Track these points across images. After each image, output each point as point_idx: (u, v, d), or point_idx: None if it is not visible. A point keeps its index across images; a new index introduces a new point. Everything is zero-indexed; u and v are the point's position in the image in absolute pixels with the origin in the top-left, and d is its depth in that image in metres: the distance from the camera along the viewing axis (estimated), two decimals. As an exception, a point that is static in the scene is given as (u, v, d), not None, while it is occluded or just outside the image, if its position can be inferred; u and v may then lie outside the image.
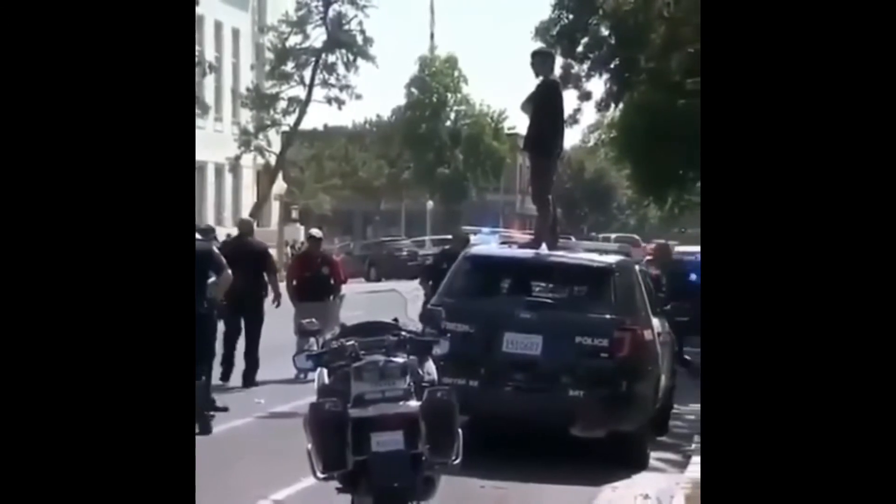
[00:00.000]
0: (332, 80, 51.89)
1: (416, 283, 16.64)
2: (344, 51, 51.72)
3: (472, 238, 20.73)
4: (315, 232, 18.05)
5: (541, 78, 12.54)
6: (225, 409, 12.97)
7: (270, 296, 16.05)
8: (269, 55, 52.89)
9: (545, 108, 12.44)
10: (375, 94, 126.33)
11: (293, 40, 52.21)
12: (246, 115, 51.70)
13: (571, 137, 71.45)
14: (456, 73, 69.78)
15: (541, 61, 12.73)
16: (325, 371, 7.86)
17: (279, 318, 16.05)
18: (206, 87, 47.57)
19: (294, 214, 55.47)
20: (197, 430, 9.97)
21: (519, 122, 66.20)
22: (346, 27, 51.79)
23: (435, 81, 68.72)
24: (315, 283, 16.31)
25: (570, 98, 28.24)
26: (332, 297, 15.74)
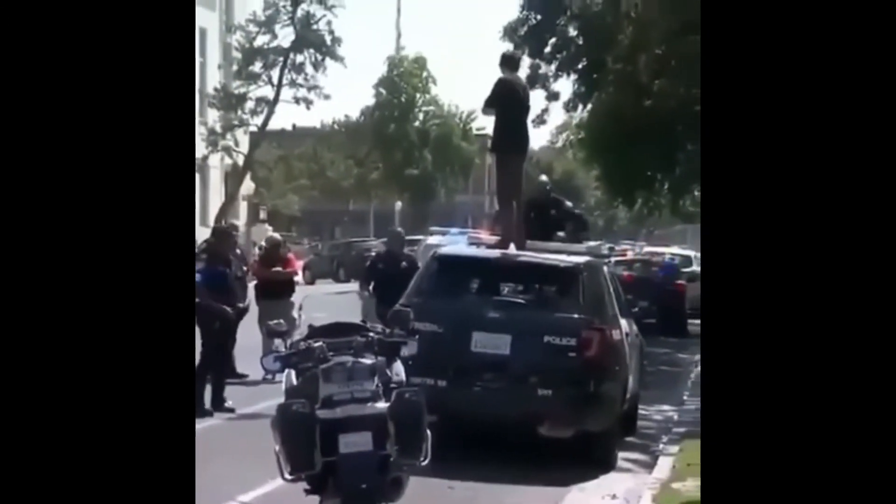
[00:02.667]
0: (301, 80, 51.82)
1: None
2: (312, 51, 51.61)
3: (441, 239, 20.66)
4: (270, 240, 18.29)
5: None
6: (232, 410, 13.33)
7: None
8: (237, 55, 52.70)
9: (501, 106, 12.42)
10: (344, 94, 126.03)
11: (261, 40, 52.13)
12: (213, 115, 51.45)
13: (539, 138, 71.50)
14: (424, 74, 69.70)
15: (505, 68, 12.67)
16: (293, 372, 7.85)
17: (244, 320, 15.97)
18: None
19: (262, 215, 55.30)
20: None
21: (487, 123, 66.24)
22: (315, 27, 51.67)
23: (403, 82, 68.62)
24: (276, 284, 16.66)
25: (537, 98, 28.36)
26: (292, 297, 16.16)
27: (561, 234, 13.63)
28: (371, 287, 14.61)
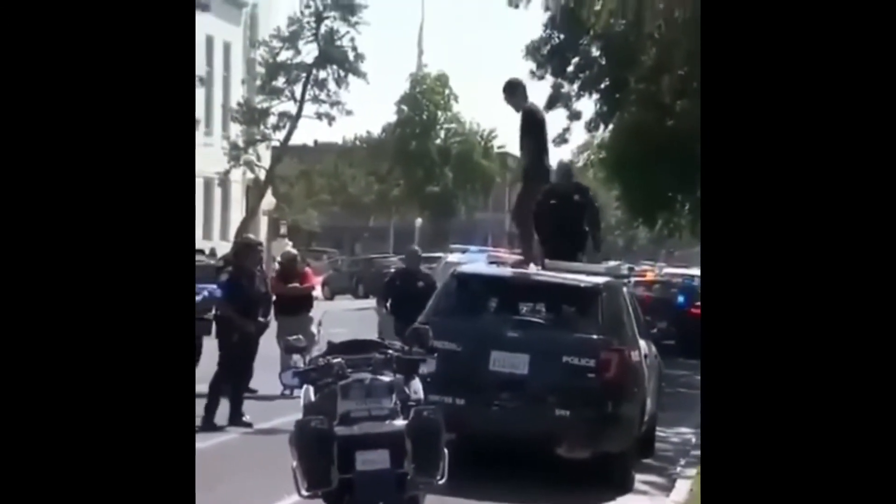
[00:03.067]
0: (323, 96, 51.91)
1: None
2: (335, 67, 51.70)
3: (461, 256, 20.60)
4: (286, 255, 18.54)
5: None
6: (250, 425, 13.30)
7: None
8: (261, 70, 52.88)
9: (524, 137, 12.44)
10: (366, 110, 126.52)
11: (284, 55, 52.22)
12: (236, 130, 51.58)
13: (561, 157, 71.47)
14: (446, 91, 69.72)
15: (510, 96, 12.64)
16: (311, 388, 7.89)
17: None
18: (197, 101, 47.51)
19: (283, 230, 55.36)
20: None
21: (508, 141, 66.30)
22: (338, 43, 51.76)
23: (425, 99, 68.68)
24: (294, 299, 16.79)
25: (559, 117, 28.29)
26: (310, 312, 16.29)
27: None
28: (388, 304, 14.61)
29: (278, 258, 19.01)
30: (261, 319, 13.99)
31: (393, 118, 70.39)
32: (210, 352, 14.37)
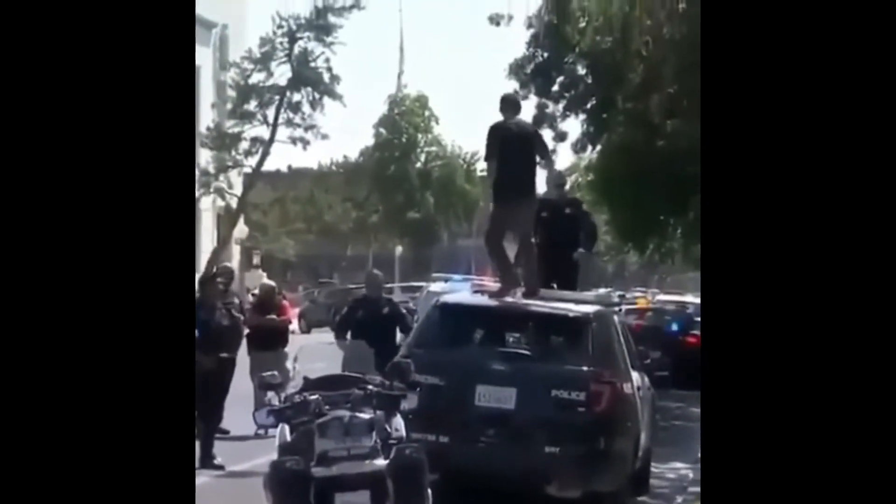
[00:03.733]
0: (297, 120, 51.71)
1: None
2: (310, 89, 51.51)
3: (443, 286, 20.22)
4: (264, 287, 18.50)
5: None
6: (221, 468, 13.03)
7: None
8: (231, 93, 52.53)
9: (497, 153, 12.26)
10: (342, 134, 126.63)
11: (256, 78, 51.95)
12: (206, 156, 51.05)
13: (545, 180, 71.66)
14: (426, 113, 69.86)
15: (500, 112, 12.46)
16: (286, 427, 7.81)
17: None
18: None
19: (256, 260, 55.00)
20: None
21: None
22: (312, 64, 51.59)
23: (405, 121, 68.74)
24: (269, 333, 16.52)
25: (544, 139, 27.99)
26: (286, 347, 16.08)
27: (581, 250, 13.34)
28: (349, 336, 13.94)
29: (255, 290, 18.83)
30: (222, 355, 13.46)
31: (371, 142, 70.52)
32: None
